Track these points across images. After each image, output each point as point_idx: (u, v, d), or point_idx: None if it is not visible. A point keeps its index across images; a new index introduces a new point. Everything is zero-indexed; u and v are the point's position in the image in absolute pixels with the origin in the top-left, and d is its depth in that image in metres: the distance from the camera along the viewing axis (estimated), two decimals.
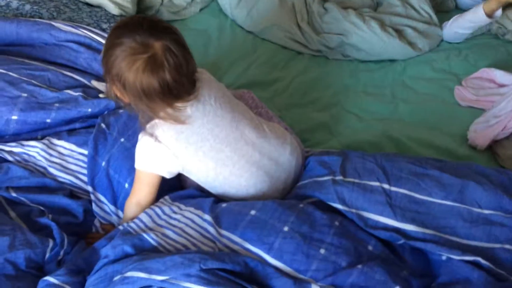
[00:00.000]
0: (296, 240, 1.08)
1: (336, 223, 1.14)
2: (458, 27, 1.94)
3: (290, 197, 1.30)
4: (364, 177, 1.21)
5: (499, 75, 1.73)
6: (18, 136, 1.44)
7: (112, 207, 1.37)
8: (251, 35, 2.12)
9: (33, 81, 1.48)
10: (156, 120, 1.18)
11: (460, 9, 2.22)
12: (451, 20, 1.96)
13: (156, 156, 1.19)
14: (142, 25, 1.07)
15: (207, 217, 1.17)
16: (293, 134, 1.44)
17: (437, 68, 1.88)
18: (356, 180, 1.20)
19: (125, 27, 1.08)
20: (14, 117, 1.42)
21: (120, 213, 1.37)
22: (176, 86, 1.09)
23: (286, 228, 1.11)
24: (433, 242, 1.08)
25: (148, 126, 1.19)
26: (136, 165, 1.23)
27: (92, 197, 1.37)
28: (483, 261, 1.04)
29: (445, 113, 1.69)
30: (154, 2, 2.22)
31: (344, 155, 1.31)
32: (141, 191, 1.25)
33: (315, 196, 1.22)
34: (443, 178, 1.16)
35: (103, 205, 1.37)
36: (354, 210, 1.16)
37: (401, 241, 1.10)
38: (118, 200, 1.37)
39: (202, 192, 1.32)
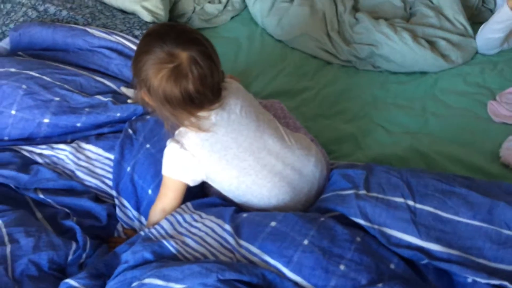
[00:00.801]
0: (316, 254, 1.06)
1: (358, 238, 1.11)
2: (488, 31, 1.87)
3: (312, 210, 1.28)
4: (388, 192, 1.18)
5: None
6: (48, 139, 1.48)
7: (135, 213, 1.39)
8: (280, 43, 2.11)
9: (65, 85, 1.52)
10: (182, 128, 1.19)
11: None
12: (481, 27, 1.90)
13: (182, 163, 1.20)
14: (171, 34, 1.08)
15: (227, 227, 1.16)
16: (318, 146, 1.43)
17: (470, 82, 1.82)
18: (380, 196, 1.18)
19: (155, 35, 1.10)
20: (46, 120, 1.46)
21: (142, 218, 1.38)
22: (198, 96, 1.10)
23: (306, 242, 1.09)
24: (459, 264, 1.04)
25: (176, 133, 1.21)
26: (163, 171, 1.24)
27: (116, 201, 1.39)
28: (510, 286, 0.99)
29: (477, 129, 1.63)
30: (186, 10, 2.25)
31: (368, 169, 1.28)
32: (167, 197, 1.26)
33: (337, 210, 1.19)
34: (471, 197, 1.12)
35: (126, 210, 1.39)
36: (376, 226, 1.13)
37: (425, 261, 1.07)
38: (141, 206, 1.38)
39: (224, 201, 1.32)
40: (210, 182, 1.27)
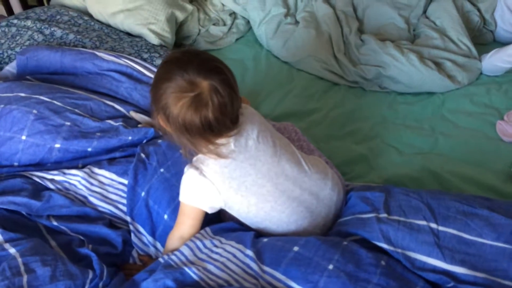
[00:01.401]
0: (342, 279, 1.05)
1: (383, 262, 1.10)
2: (498, 60, 1.91)
3: (332, 233, 1.27)
4: (409, 215, 1.18)
5: None
6: (59, 165, 1.47)
7: (150, 238, 1.37)
8: (286, 65, 2.13)
9: (76, 110, 1.51)
10: (201, 155, 1.18)
11: (498, 42, 2.20)
12: (491, 52, 1.94)
13: (200, 190, 1.19)
14: (193, 62, 1.07)
15: (249, 252, 1.15)
16: (334, 168, 1.43)
17: (477, 102, 1.84)
18: (402, 219, 1.17)
19: (176, 63, 1.09)
20: (57, 145, 1.45)
21: (158, 244, 1.36)
22: (217, 125, 1.09)
23: (331, 267, 1.08)
24: (485, 286, 1.04)
25: (194, 159, 1.19)
26: (181, 198, 1.23)
27: (131, 227, 1.37)
28: None
29: (487, 149, 1.65)
30: (191, 32, 2.26)
31: (386, 191, 1.28)
32: (185, 225, 1.24)
33: (359, 234, 1.19)
34: (493, 218, 1.12)
35: (141, 236, 1.37)
36: (400, 250, 1.12)
37: (451, 284, 1.06)
38: (156, 231, 1.37)
39: (242, 226, 1.30)
40: (227, 209, 1.25)
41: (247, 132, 1.21)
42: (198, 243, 1.21)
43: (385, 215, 1.19)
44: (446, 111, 1.83)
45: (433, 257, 1.10)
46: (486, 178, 1.53)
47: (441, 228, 1.14)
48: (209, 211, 1.23)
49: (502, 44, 2.14)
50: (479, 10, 2.20)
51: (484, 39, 2.19)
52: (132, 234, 1.37)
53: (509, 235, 1.10)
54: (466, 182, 1.52)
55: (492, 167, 1.57)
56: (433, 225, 1.14)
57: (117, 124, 1.54)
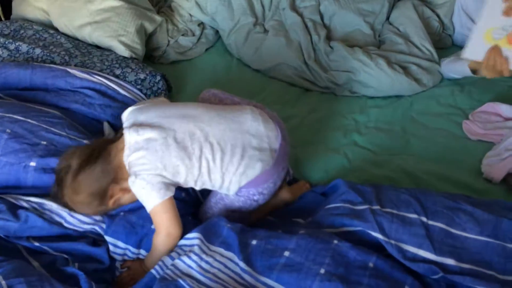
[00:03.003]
0: (334, 283, 1.08)
1: (370, 264, 1.13)
2: (451, 71, 2.00)
3: (325, 222, 1.27)
4: (401, 208, 1.22)
5: (505, 109, 1.79)
6: (36, 190, 1.40)
7: (134, 249, 1.34)
8: (258, 73, 2.16)
9: (52, 129, 1.47)
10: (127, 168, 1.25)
11: (456, 46, 2.30)
12: (447, 61, 2.01)
13: (152, 186, 1.22)
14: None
15: (241, 263, 1.16)
16: (265, 109, 1.42)
17: (443, 103, 1.93)
18: (394, 211, 1.22)
19: None
20: (33, 164, 1.39)
21: (142, 251, 1.34)
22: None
23: (322, 271, 1.10)
24: (472, 276, 1.09)
25: (129, 181, 1.24)
26: (148, 208, 1.24)
27: (111, 247, 1.34)
28: None
29: (456, 147, 1.73)
30: (161, 43, 2.25)
31: (375, 186, 1.33)
32: (164, 221, 1.25)
33: (354, 225, 1.21)
34: (476, 214, 1.18)
35: (118, 249, 1.35)
36: (393, 242, 1.16)
37: (439, 275, 1.10)
38: (143, 240, 1.34)
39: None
40: (188, 185, 1.28)
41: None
42: (187, 254, 1.21)
43: (378, 207, 1.24)
44: (415, 113, 1.90)
45: (424, 249, 1.14)
46: (458, 175, 1.60)
47: (430, 222, 1.19)
48: (173, 191, 1.25)
49: (461, 47, 2.24)
50: (438, 15, 2.30)
51: (443, 43, 2.29)
52: (111, 247, 1.34)
53: (492, 230, 1.16)
54: (440, 180, 1.58)
55: (462, 165, 1.65)
56: (423, 219, 1.20)
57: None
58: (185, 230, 1.29)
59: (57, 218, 1.35)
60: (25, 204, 1.36)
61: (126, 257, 1.35)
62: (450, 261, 1.12)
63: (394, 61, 2.00)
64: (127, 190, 1.27)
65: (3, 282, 1.12)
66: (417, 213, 1.21)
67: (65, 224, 1.35)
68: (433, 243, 1.15)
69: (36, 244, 1.29)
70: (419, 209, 1.22)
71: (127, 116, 1.33)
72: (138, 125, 1.27)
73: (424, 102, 1.94)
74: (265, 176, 1.31)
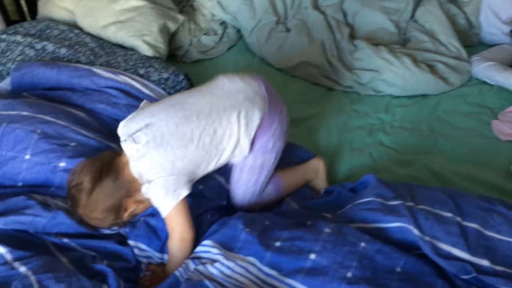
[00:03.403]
0: (362, 286, 1.06)
1: (398, 269, 1.11)
2: (488, 78, 1.96)
3: (356, 212, 1.25)
4: (436, 206, 1.20)
5: None
6: (64, 191, 1.39)
7: (158, 254, 1.35)
8: (280, 72, 2.15)
9: (81, 131, 1.48)
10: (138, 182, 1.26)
11: (484, 44, 2.26)
12: (485, 65, 1.97)
13: (166, 188, 1.22)
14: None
15: (263, 267, 1.16)
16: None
17: (471, 103, 1.89)
18: (429, 208, 1.20)
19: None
20: (62, 164, 1.40)
21: (165, 256, 1.35)
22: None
23: (349, 274, 1.09)
24: (505, 278, 1.06)
25: (143, 189, 1.25)
26: (163, 214, 1.25)
27: (135, 250, 1.35)
28: None
29: (485, 148, 1.69)
30: (183, 43, 2.26)
31: (405, 184, 1.31)
32: (178, 226, 1.26)
33: (387, 221, 1.19)
34: (511, 216, 1.15)
35: (146, 253, 1.35)
36: (427, 238, 1.14)
37: (472, 275, 1.08)
38: (165, 244, 1.35)
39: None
40: (200, 172, 1.30)
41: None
42: (209, 263, 1.20)
43: (412, 203, 1.21)
44: (441, 112, 1.87)
45: (458, 248, 1.12)
46: (488, 177, 1.56)
47: (464, 222, 1.17)
48: (189, 189, 1.26)
49: (488, 46, 2.20)
50: (464, 13, 2.26)
51: (470, 41, 2.25)
52: (136, 250, 1.34)
53: None
54: (468, 181, 1.55)
55: (492, 166, 1.61)
56: (458, 218, 1.17)
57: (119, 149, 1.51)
58: (201, 230, 1.30)
59: None
60: (53, 203, 1.37)
61: (151, 260, 1.35)
62: (484, 262, 1.09)
63: (420, 59, 1.97)
64: (141, 201, 1.28)
65: (32, 278, 1.13)
66: (452, 212, 1.18)
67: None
68: (468, 243, 1.12)
69: (65, 240, 1.30)
70: (454, 208, 1.19)
71: (121, 131, 1.31)
72: (132, 135, 1.26)
73: (451, 101, 1.91)
74: (268, 120, 1.35)
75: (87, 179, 1.22)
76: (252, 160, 1.38)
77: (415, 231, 1.15)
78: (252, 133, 1.33)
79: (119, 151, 1.30)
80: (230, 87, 1.35)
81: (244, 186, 1.41)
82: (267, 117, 1.35)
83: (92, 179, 1.22)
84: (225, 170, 1.46)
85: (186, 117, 1.27)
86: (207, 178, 1.42)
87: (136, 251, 1.34)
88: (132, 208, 1.28)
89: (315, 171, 1.56)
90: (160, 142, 1.24)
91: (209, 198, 1.45)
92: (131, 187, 1.25)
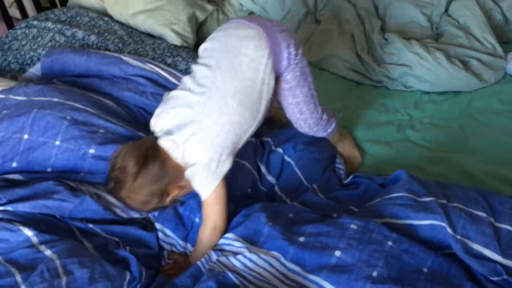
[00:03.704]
0: (387, 287, 1.04)
1: (425, 270, 1.09)
2: None
3: (387, 207, 1.22)
4: (469, 205, 1.17)
5: None
6: (93, 176, 1.42)
7: (182, 242, 1.36)
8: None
9: (109, 118, 1.48)
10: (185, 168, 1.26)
11: None
12: None
13: (208, 170, 1.23)
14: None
15: (286, 262, 1.14)
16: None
17: (505, 101, 1.83)
18: (462, 207, 1.16)
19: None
20: (91, 151, 1.41)
21: (188, 246, 1.35)
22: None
23: (375, 274, 1.07)
24: None
25: (186, 172, 1.26)
26: (204, 196, 1.25)
27: (159, 231, 1.35)
28: None
29: None
30: (211, 32, 2.21)
31: (437, 182, 1.27)
32: (213, 214, 1.26)
33: (419, 218, 1.16)
34: None
35: (169, 238, 1.36)
36: (459, 237, 1.11)
37: (503, 277, 1.05)
38: (188, 234, 1.37)
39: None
40: (240, 135, 1.29)
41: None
42: (229, 253, 1.20)
43: (444, 201, 1.18)
44: (474, 110, 1.81)
45: (490, 249, 1.09)
46: None
47: (497, 224, 1.13)
48: (230, 164, 1.27)
49: None
50: (500, 8, 2.18)
51: (506, 37, 2.17)
52: (161, 240, 1.35)
53: None
54: (501, 182, 1.50)
55: None
56: (491, 219, 1.14)
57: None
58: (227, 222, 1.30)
59: (112, 206, 1.37)
60: (83, 188, 1.39)
61: (174, 248, 1.36)
62: None
63: (453, 55, 1.91)
64: (183, 186, 1.28)
65: (57, 262, 1.15)
66: (485, 212, 1.15)
67: (118, 211, 1.36)
68: (500, 245, 1.09)
69: (90, 225, 1.31)
70: (487, 208, 1.16)
71: (154, 127, 1.32)
72: (166, 130, 1.27)
73: (484, 99, 1.85)
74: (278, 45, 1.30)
75: (131, 163, 1.21)
76: (291, 75, 1.35)
77: (448, 229, 1.12)
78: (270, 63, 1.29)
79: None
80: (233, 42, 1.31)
81: (306, 111, 1.42)
82: (274, 43, 1.30)
83: (137, 163, 1.21)
84: (252, 156, 1.45)
85: (206, 92, 1.27)
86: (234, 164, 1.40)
87: (160, 235, 1.35)
88: (175, 193, 1.28)
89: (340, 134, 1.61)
90: (193, 127, 1.24)
91: (235, 185, 1.44)
92: (175, 173, 1.25)
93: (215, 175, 1.24)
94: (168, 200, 1.28)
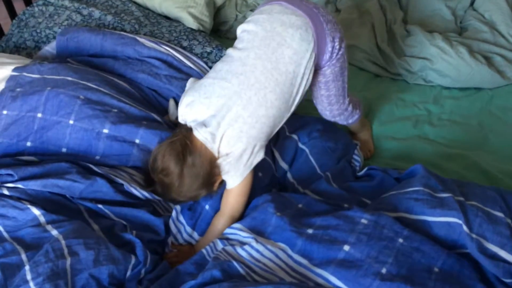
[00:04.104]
0: (396, 284, 1.01)
1: (436, 269, 1.06)
2: None
3: (402, 201, 1.19)
4: (487, 204, 1.14)
5: None
6: (107, 158, 1.40)
7: (189, 229, 1.35)
8: None
9: (122, 98, 1.47)
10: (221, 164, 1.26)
11: None
12: None
13: (240, 159, 1.23)
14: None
15: (293, 254, 1.13)
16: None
17: None
18: (480, 205, 1.13)
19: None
20: (105, 131, 1.39)
21: (195, 234, 1.35)
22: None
23: (384, 270, 1.04)
24: None
25: (218, 162, 1.24)
26: (230, 185, 1.26)
27: (174, 213, 1.34)
28: None
29: None
30: (228, 18, 2.22)
31: (454, 180, 1.25)
32: (235, 204, 1.28)
33: (435, 215, 1.13)
34: None
35: (179, 224, 1.35)
36: (474, 236, 1.08)
37: None
38: (196, 221, 1.36)
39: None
40: (274, 127, 1.27)
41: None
42: (237, 237, 1.19)
43: (462, 198, 1.15)
44: (494, 107, 1.76)
45: (507, 250, 1.06)
46: None
47: None
48: (262, 155, 1.26)
49: None
50: None
51: None
52: (171, 221, 1.34)
53: None
54: None
55: None
56: (509, 220, 1.11)
57: (160, 119, 1.50)
58: None
59: (124, 188, 1.35)
60: (97, 170, 1.37)
61: (178, 235, 1.34)
62: None
63: (476, 50, 1.85)
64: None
65: (63, 242, 1.14)
66: (503, 212, 1.12)
67: (134, 191, 1.34)
68: None
69: (100, 206, 1.30)
70: (505, 208, 1.13)
71: (184, 118, 1.30)
72: (201, 121, 1.24)
73: (506, 97, 1.79)
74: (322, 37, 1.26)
75: (172, 164, 1.22)
76: (331, 69, 1.33)
77: (464, 227, 1.08)
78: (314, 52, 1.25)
79: (190, 128, 1.27)
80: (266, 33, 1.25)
81: (336, 95, 1.40)
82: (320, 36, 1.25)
83: (178, 163, 1.21)
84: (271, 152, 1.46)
85: (244, 82, 1.22)
86: (265, 166, 1.42)
87: (174, 217, 1.34)
88: (220, 179, 1.27)
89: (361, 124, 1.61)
90: (230, 118, 1.21)
91: (257, 179, 1.41)
92: (214, 162, 1.24)
93: (246, 166, 1.23)
94: (216, 186, 1.28)
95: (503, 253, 1.05)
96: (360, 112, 1.52)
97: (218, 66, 1.28)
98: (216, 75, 1.26)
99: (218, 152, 1.23)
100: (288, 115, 1.29)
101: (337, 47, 1.28)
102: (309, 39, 1.22)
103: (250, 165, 1.24)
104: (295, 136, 1.53)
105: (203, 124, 1.23)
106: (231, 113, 1.21)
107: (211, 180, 1.26)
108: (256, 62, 1.22)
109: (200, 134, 1.23)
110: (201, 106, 1.24)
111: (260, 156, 1.25)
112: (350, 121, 1.50)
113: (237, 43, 1.29)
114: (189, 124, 1.27)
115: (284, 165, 1.50)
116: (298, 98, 1.28)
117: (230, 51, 1.29)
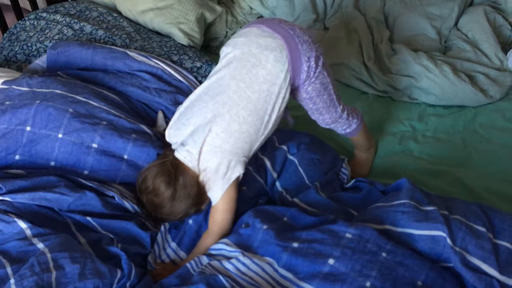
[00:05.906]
0: None
1: (419, 283, 1.07)
2: None
3: (388, 214, 1.21)
4: (470, 218, 1.17)
5: None
6: (96, 173, 1.41)
7: (174, 245, 1.35)
8: None
9: (111, 111, 1.48)
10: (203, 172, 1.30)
11: None
12: None
13: (216, 173, 1.26)
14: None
15: (279, 268, 1.14)
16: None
17: (509, 118, 1.81)
18: (463, 219, 1.16)
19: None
20: (94, 145, 1.40)
21: (181, 252, 1.35)
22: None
23: (368, 284, 1.06)
24: None
25: (200, 178, 1.29)
26: (214, 200, 1.27)
27: (162, 229, 1.35)
28: None
29: None
30: (219, 34, 2.25)
31: (438, 195, 1.27)
32: (223, 221, 1.29)
33: (420, 228, 1.15)
34: None
35: (165, 242, 1.36)
36: (458, 249, 1.10)
37: None
38: (183, 238, 1.36)
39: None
40: (250, 142, 1.30)
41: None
42: (223, 251, 1.20)
43: (446, 212, 1.18)
44: (478, 125, 1.80)
45: (488, 264, 1.08)
46: None
47: (497, 240, 1.13)
48: (241, 170, 1.28)
49: None
50: (510, 24, 2.17)
51: None
52: (160, 235, 1.35)
53: None
54: (502, 199, 1.49)
55: None
56: (490, 235, 1.13)
57: (149, 131, 1.51)
58: None
59: (115, 200, 1.36)
60: (85, 183, 1.37)
61: (162, 253, 1.35)
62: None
63: (460, 68, 1.90)
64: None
65: (49, 255, 1.14)
66: (486, 228, 1.15)
67: (123, 203, 1.36)
68: (498, 261, 1.08)
69: (88, 218, 1.30)
70: (487, 223, 1.16)
71: (170, 139, 1.37)
72: (181, 143, 1.31)
73: (489, 115, 1.83)
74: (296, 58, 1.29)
75: (163, 185, 1.26)
76: (312, 87, 1.36)
77: (448, 240, 1.11)
78: (289, 72, 1.29)
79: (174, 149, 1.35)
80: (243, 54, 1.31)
81: (324, 106, 1.43)
82: (293, 56, 1.29)
83: (168, 183, 1.26)
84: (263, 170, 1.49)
85: (218, 101, 1.28)
86: (250, 180, 1.45)
87: (162, 230, 1.35)
88: (208, 199, 1.32)
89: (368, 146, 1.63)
90: (204, 135, 1.27)
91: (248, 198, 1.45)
92: (198, 180, 1.30)
93: (224, 180, 1.26)
94: (204, 206, 1.33)
95: (484, 267, 1.08)
96: (359, 122, 1.53)
97: (199, 88, 1.36)
98: (195, 98, 1.34)
99: (199, 170, 1.28)
100: (266, 132, 1.32)
101: (313, 66, 1.31)
102: (283, 60, 1.28)
103: (228, 179, 1.26)
104: (284, 147, 1.55)
105: (182, 144, 1.30)
106: (205, 130, 1.27)
107: (200, 199, 1.30)
108: (230, 82, 1.28)
109: (180, 154, 1.29)
110: (183, 126, 1.32)
111: (238, 171, 1.27)
112: (348, 130, 1.52)
113: (217, 65, 1.36)
114: (173, 146, 1.34)
115: (274, 174, 1.52)
116: (275, 115, 1.31)
117: (211, 72, 1.37)
